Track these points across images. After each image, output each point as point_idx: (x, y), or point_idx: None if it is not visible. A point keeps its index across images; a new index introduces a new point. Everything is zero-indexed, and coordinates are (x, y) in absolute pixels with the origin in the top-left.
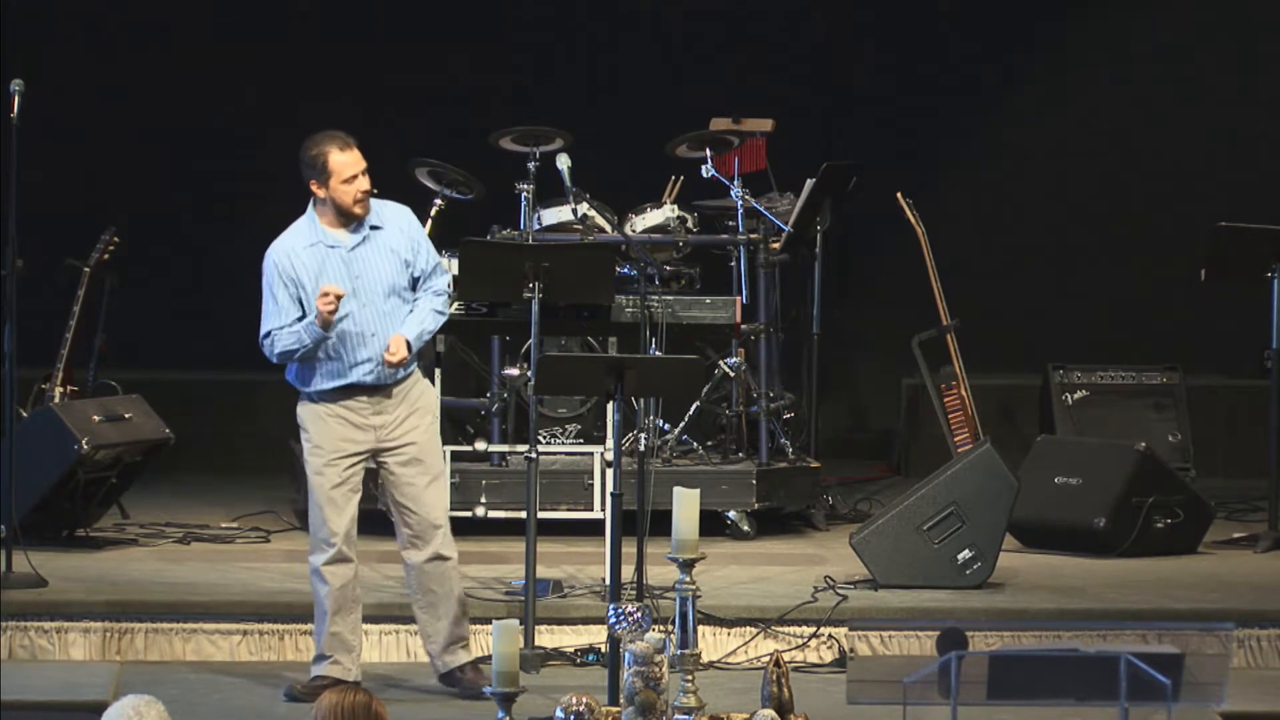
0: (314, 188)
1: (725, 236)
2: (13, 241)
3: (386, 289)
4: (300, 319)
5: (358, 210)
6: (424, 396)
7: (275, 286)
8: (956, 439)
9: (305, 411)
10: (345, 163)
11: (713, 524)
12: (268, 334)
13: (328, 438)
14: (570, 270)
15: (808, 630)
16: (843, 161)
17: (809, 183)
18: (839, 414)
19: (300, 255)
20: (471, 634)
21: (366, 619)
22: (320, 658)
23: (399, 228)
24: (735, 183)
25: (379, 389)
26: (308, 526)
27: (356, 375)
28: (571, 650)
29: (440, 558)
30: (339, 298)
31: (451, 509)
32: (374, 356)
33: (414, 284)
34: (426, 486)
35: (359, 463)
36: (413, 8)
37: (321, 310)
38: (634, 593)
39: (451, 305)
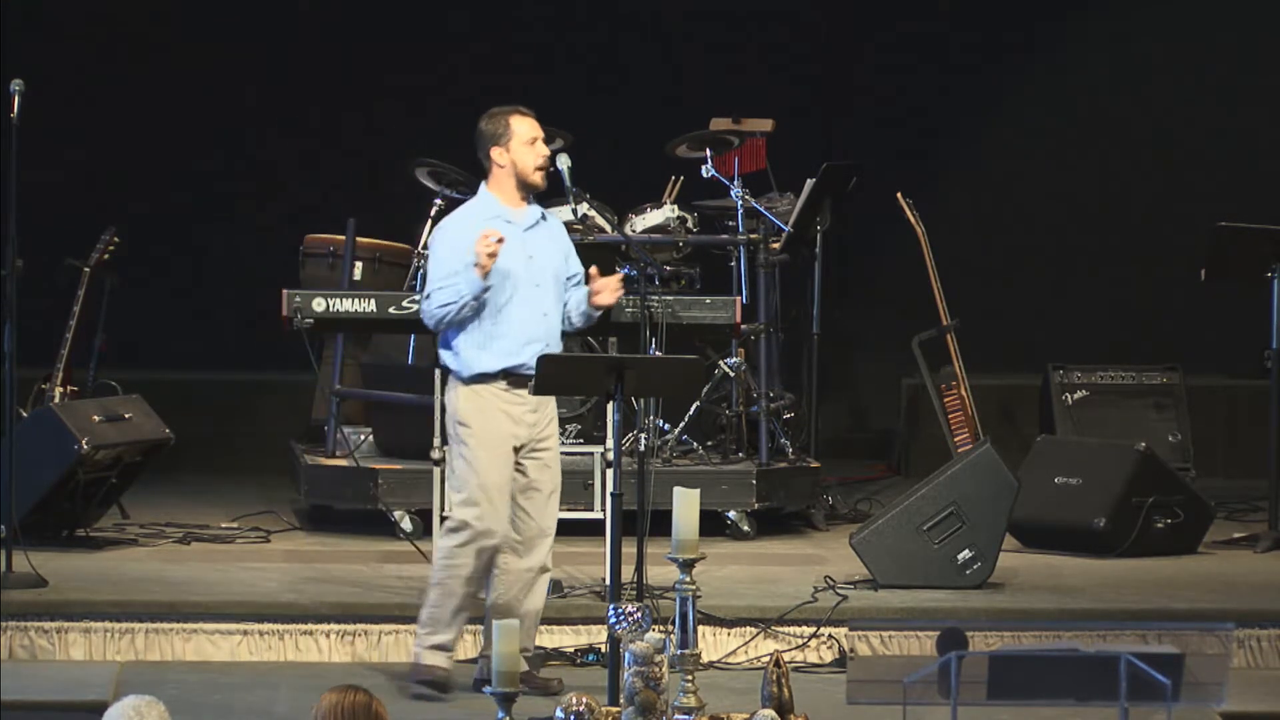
0: (494, 155)
1: (725, 236)
2: (13, 241)
3: (554, 275)
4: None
5: (536, 178)
6: (555, 408)
7: (445, 251)
8: (956, 439)
9: (467, 402)
10: (528, 125)
11: (713, 524)
12: (429, 294)
13: (491, 432)
14: None
15: (808, 630)
16: (843, 161)
17: (809, 183)
18: (839, 414)
19: (479, 228)
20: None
21: (365, 619)
22: (441, 648)
23: (560, 226)
24: (735, 183)
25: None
26: (302, 527)
27: (527, 355)
28: (571, 650)
29: (543, 569)
30: (500, 241)
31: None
32: (544, 338)
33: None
34: (549, 495)
35: (514, 460)
36: (413, 8)
37: (480, 251)
38: (634, 593)
39: None
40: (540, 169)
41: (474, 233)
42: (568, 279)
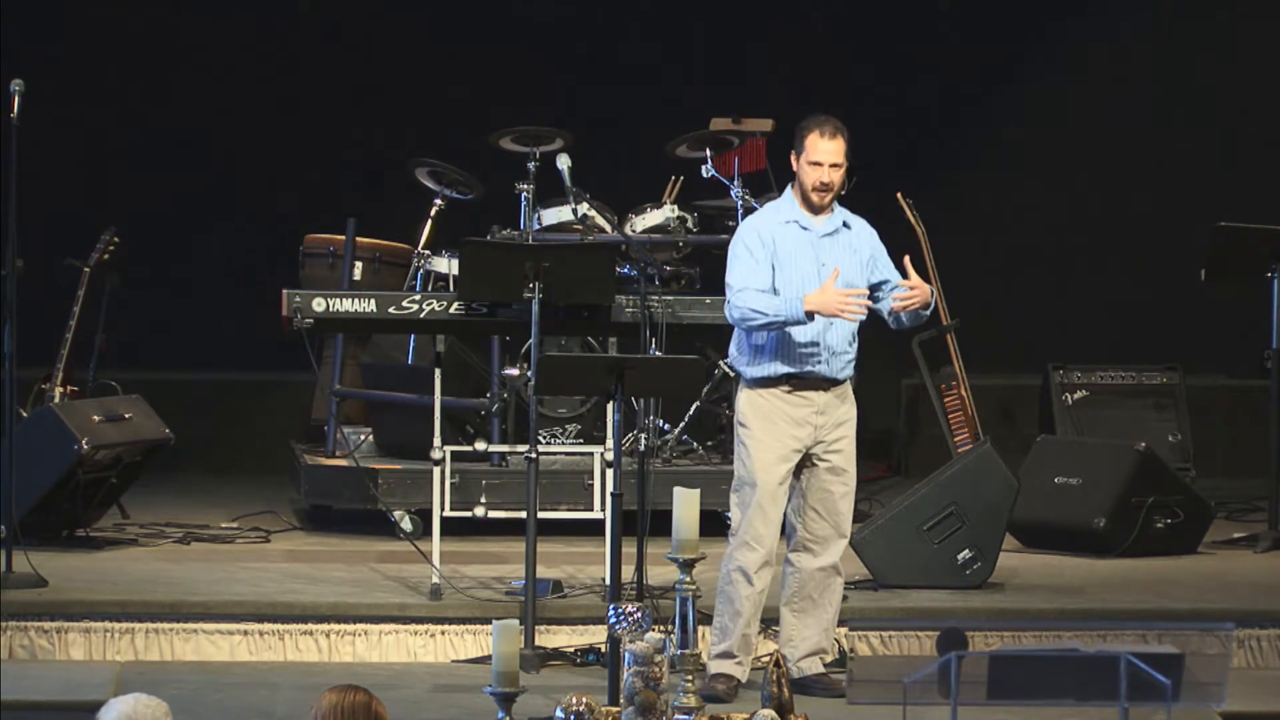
0: (792, 160)
1: (725, 236)
2: (13, 241)
3: (846, 284)
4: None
5: (813, 198)
6: (853, 407)
7: (751, 248)
8: (956, 439)
9: (750, 403)
10: (819, 147)
11: (713, 524)
12: (743, 289)
13: (773, 436)
14: (570, 270)
15: None
16: None
17: None
18: None
19: (775, 229)
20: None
21: (366, 619)
22: (726, 655)
23: (867, 233)
24: (735, 183)
25: (825, 384)
26: (302, 527)
27: (812, 364)
28: (571, 650)
29: (835, 570)
30: (858, 299)
31: (451, 509)
32: (832, 345)
33: (871, 291)
34: (841, 497)
35: (795, 464)
36: (415, 8)
37: (834, 304)
38: (634, 593)
39: None
40: (815, 189)
41: (775, 235)
42: (878, 285)
